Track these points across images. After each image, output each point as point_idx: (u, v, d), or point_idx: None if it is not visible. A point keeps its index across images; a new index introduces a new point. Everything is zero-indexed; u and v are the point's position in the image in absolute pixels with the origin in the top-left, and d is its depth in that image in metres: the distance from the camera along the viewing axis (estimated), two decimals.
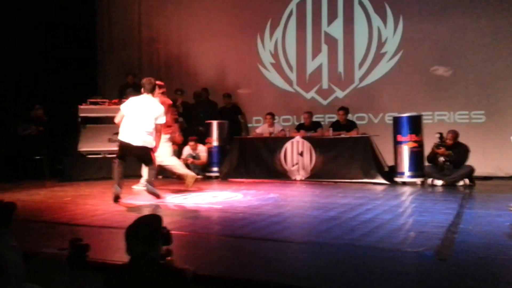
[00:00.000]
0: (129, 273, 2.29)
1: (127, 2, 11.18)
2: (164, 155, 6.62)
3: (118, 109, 8.83)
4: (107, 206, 5.40)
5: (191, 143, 8.58)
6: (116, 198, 5.56)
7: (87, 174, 8.38)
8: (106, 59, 11.25)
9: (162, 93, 6.68)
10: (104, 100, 9.01)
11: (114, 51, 11.15)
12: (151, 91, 5.89)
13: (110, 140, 8.86)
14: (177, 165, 6.83)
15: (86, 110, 8.76)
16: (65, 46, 9.81)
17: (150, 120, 5.66)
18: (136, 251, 2.31)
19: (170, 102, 7.05)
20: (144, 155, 5.75)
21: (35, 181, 7.77)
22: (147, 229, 2.38)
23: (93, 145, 8.74)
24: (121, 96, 9.35)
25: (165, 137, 6.50)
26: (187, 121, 9.55)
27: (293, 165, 7.88)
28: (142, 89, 5.88)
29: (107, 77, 11.12)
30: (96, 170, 8.51)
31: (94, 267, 2.98)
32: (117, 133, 8.73)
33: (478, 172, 7.18)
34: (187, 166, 8.65)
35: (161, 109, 5.81)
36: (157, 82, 6.30)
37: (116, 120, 5.91)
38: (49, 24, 9.64)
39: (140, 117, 5.63)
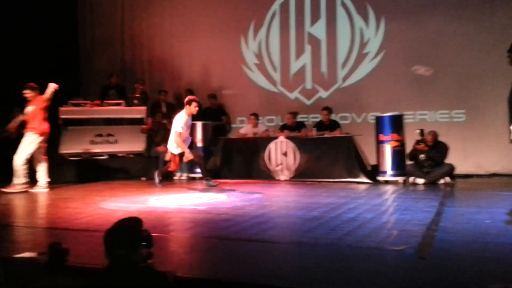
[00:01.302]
0: (109, 277, 2.27)
1: (109, 3, 11.08)
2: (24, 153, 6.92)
3: (101, 111, 8.91)
4: (88, 209, 5.34)
5: None
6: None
7: (68, 176, 8.28)
8: (89, 60, 11.14)
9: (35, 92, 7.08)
10: (86, 101, 8.93)
11: (97, 52, 11.05)
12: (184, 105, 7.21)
13: (92, 142, 8.80)
14: (20, 171, 6.89)
15: (67, 111, 8.68)
16: (46, 47, 9.68)
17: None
18: (116, 254, 2.29)
19: (44, 98, 7.13)
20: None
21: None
22: (127, 232, 2.35)
23: (74, 147, 8.66)
24: (103, 97, 9.29)
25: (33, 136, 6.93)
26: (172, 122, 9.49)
27: (277, 165, 7.89)
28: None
29: (90, 78, 11.01)
30: (78, 172, 8.42)
31: (74, 271, 2.94)
32: (99, 135, 8.86)
33: (458, 170, 7.29)
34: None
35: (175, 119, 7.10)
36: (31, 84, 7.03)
37: None
38: (30, 24, 9.50)
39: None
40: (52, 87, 7.00)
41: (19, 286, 2.39)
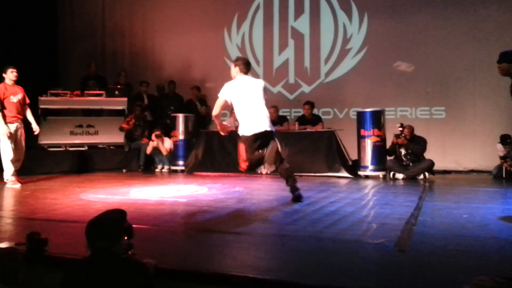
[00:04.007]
0: (90, 268, 2.25)
1: None
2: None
3: (81, 101, 8.75)
4: (67, 200, 5.27)
5: (157, 132, 8.48)
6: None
7: (47, 167, 8.16)
8: (69, 49, 10.96)
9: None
10: (66, 91, 8.79)
11: (77, 42, 10.86)
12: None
13: (72, 133, 8.68)
14: None
15: (47, 101, 8.53)
16: (25, 36, 9.48)
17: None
18: (98, 246, 2.26)
19: None
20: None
21: None
22: (111, 224, 2.33)
23: (54, 138, 8.53)
24: (83, 87, 9.15)
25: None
26: (153, 114, 9.45)
27: None
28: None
29: (70, 68, 10.84)
30: (57, 163, 8.30)
31: (53, 262, 2.91)
32: (79, 126, 8.71)
33: (438, 166, 7.40)
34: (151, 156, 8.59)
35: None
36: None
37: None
38: (9, 13, 9.29)
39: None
40: None
41: None
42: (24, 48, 9.35)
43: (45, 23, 10.32)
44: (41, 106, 8.45)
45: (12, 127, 6.58)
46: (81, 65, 10.25)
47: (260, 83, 5.06)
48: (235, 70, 5.06)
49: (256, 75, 9.73)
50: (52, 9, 10.79)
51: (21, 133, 6.72)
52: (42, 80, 9.13)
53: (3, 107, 6.51)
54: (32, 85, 8.56)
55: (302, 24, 9.51)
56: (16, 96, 6.66)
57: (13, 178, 6.59)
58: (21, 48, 9.31)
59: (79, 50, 10.80)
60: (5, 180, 6.57)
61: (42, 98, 8.47)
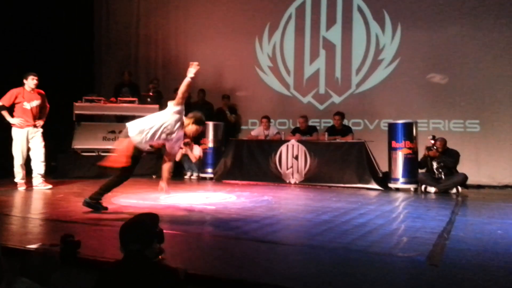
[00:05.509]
0: (123, 271, 2.29)
1: (125, 1, 11.16)
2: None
3: (114, 108, 8.93)
4: None
5: (186, 140, 8.56)
6: None
7: (80, 171, 8.35)
8: (104, 57, 11.23)
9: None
10: (100, 98, 8.99)
11: (112, 50, 11.13)
12: None
13: (104, 139, 8.87)
14: None
15: (81, 107, 8.74)
16: (62, 43, 9.77)
17: None
18: (132, 249, 2.30)
19: None
20: None
21: (28, 178, 7.71)
22: (144, 228, 2.38)
23: (87, 142, 8.72)
24: (117, 94, 9.35)
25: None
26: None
27: (287, 168, 7.89)
28: None
29: (104, 75, 11.10)
30: (89, 168, 8.48)
31: (86, 263, 2.97)
32: (112, 132, 8.89)
33: (471, 180, 7.23)
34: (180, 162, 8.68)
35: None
36: None
37: None
38: (47, 20, 9.61)
39: None
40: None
41: (32, 277, 2.41)
42: (62, 55, 9.64)
43: (82, 31, 10.61)
44: (76, 112, 8.67)
45: (23, 132, 6.69)
46: (115, 72, 10.49)
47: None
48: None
49: (286, 85, 9.77)
50: (88, 18, 11.10)
51: (35, 137, 6.77)
52: (77, 87, 9.38)
53: (4, 108, 6.59)
54: (68, 91, 8.86)
55: (334, 34, 9.48)
56: (30, 103, 6.71)
57: (22, 181, 6.70)
58: (59, 55, 9.61)
59: (113, 57, 11.06)
60: (15, 181, 6.69)
61: (77, 104, 8.69)
